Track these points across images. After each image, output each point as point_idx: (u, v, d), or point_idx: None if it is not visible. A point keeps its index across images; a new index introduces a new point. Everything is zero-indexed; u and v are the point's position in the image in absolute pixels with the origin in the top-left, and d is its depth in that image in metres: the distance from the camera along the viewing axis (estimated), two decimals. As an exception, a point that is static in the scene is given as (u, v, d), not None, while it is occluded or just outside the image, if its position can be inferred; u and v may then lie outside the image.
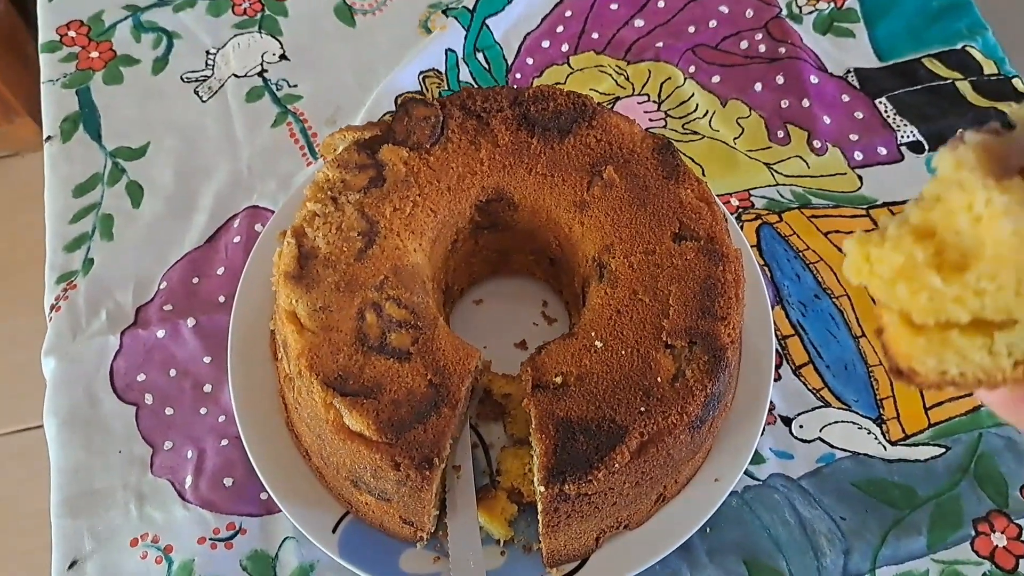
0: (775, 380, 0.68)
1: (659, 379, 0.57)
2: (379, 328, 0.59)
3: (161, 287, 0.74)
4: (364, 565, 0.61)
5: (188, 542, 0.65)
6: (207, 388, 0.70)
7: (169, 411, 0.70)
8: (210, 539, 0.65)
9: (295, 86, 0.83)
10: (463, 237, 0.68)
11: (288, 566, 0.64)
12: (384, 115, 0.81)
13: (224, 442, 0.68)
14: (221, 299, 0.73)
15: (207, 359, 0.71)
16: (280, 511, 0.64)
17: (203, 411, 0.70)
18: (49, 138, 0.81)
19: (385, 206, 0.63)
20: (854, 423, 0.68)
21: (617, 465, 0.55)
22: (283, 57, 0.85)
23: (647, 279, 0.61)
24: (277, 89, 0.83)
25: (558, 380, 0.58)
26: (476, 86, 0.84)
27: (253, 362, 0.68)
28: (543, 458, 0.55)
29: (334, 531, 0.63)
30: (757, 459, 0.66)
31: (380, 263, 0.61)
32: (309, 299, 0.60)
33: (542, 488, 0.55)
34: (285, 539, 0.65)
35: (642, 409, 0.56)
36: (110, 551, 0.65)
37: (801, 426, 0.68)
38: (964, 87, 0.81)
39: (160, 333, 0.72)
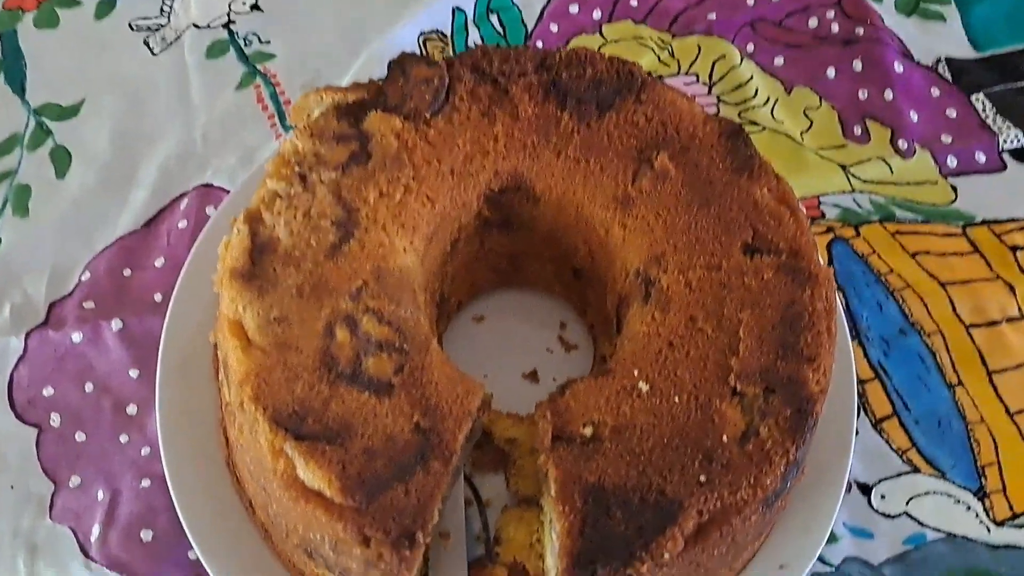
0: (851, 436, 0.54)
1: (724, 438, 0.43)
2: (352, 350, 0.44)
3: (83, 278, 0.60)
4: (317, 662, 0.46)
5: (88, 615, 0.50)
6: (131, 410, 0.56)
7: (80, 437, 0.55)
8: (118, 612, 0.50)
9: (267, 42, 0.69)
10: (466, 236, 0.53)
11: (220, 652, 0.49)
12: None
13: (145, 483, 0.53)
14: (157, 298, 0.59)
15: (134, 373, 0.57)
16: (212, 578, 0.49)
17: (123, 439, 0.55)
18: (-39, 88, 0.66)
19: (369, 190, 0.49)
20: (949, 495, 0.55)
21: (667, 555, 0.40)
22: (255, 7, 0.70)
23: (710, 303, 0.46)
24: (246, 45, 0.69)
25: (587, 432, 0.43)
26: (488, 54, 0.69)
27: (190, 381, 0.53)
28: (566, 538, 0.41)
29: (281, 612, 0.48)
30: (829, 538, 0.52)
31: (358, 264, 0.47)
32: (261, 306, 0.45)
33: (563, 583, 0.40)
34: (218, 615, 0.50)
35: (702, 479, 0.42)
36: (-13, 620, 0.50)
37: (883, 496, 0.54)
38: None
39: (76, 336, 0.57)
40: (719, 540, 0.42)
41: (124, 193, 0.63)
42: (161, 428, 0.51)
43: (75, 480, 0.54)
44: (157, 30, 0.69)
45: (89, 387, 0.56)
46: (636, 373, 0.45)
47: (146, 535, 0.52)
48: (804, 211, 0.50)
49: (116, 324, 0.58)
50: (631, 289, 0.49)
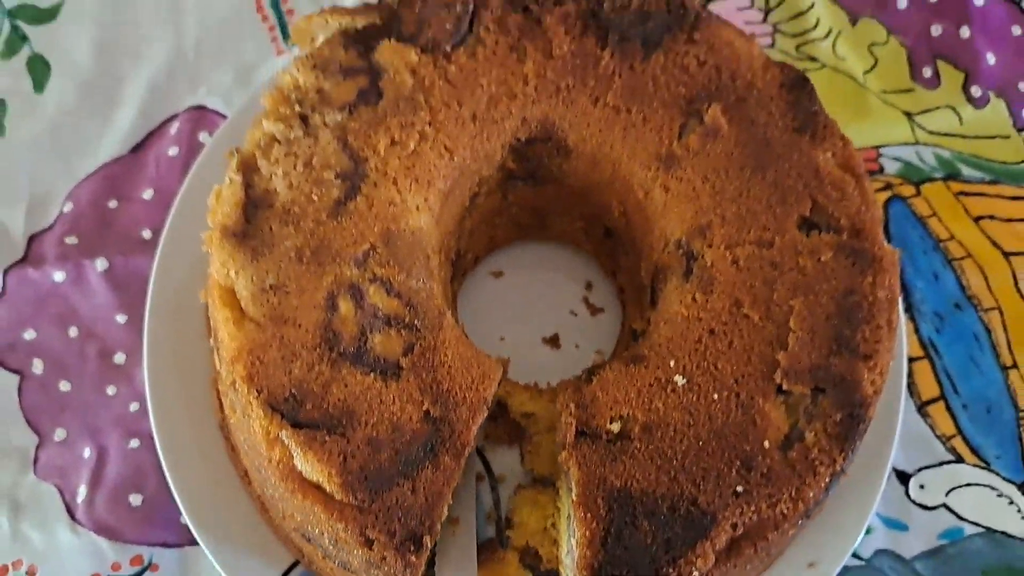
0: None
1: (765, 443, 0.39)
2: (357, 325, 0.40)
3: (65, 210, 0.55)
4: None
5: (75, 580, 0.47)
6: (118, 358, 0.52)
7: (64, 386, 0.52)
8: (106, 576, 0.48)
9: (269, -60, 0.61)
10: (487, 190, 0.48)
11: (212, 619, 0.47)
12: (388, -7, 0.60)
13: (134, 443, 0.50)
14: (146, 235, 0.55)
15: (121, 318, 0.53)
16: (205, 544, 0.47)
17: (110, 391, 0.52)
18: (-74, -17, 0.59)
19: (379, 136, 0.43)
20: (992, 488, 0.51)
21: (697, 572, 0.37)
22: None
23: (758, 285, 0.41)
24: (245, -58, 0.61)
25: (614, 428, 0.40)
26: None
27: (182, 333, 0.50)
28: (586, 549, 0.37)
29: (277, 587, 0.45)
30: (861, 529, 0.48)
31: (365, 224, 0.42)
32: (256, 271, 0.40)
33: (582, 598, 0.37)
34: (211, 581, 0.48)
35: (739, 489, 0.38)
36: (-32, 578, 0.47)
37: (922, 486, 0.51)
38: None
39: (58, 276, 0.53)
40: (753, 555, 0.38)
41: (108, 112, 0.57)
42: (150, 387, 0.47)
43: (60, 433, 0.51)
44: (145, -80, 0.62)
45: (73, 332, 0.52)
46: (672, 364, 0.40)
47: (135, 499, 0.49)
48: (870, 182, 0.44)
49: (101, 264, 0.53)
50: (670, 261, 0.44)
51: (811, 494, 0.38)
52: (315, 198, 0.42)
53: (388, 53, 0.44)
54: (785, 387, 0.40)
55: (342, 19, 0.46)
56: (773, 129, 0.44)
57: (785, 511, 0.38)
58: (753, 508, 0.38)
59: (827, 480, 0.39)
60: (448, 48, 0.45)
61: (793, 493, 0.38)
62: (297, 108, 0.43)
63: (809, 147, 0.44)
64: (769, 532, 0.38)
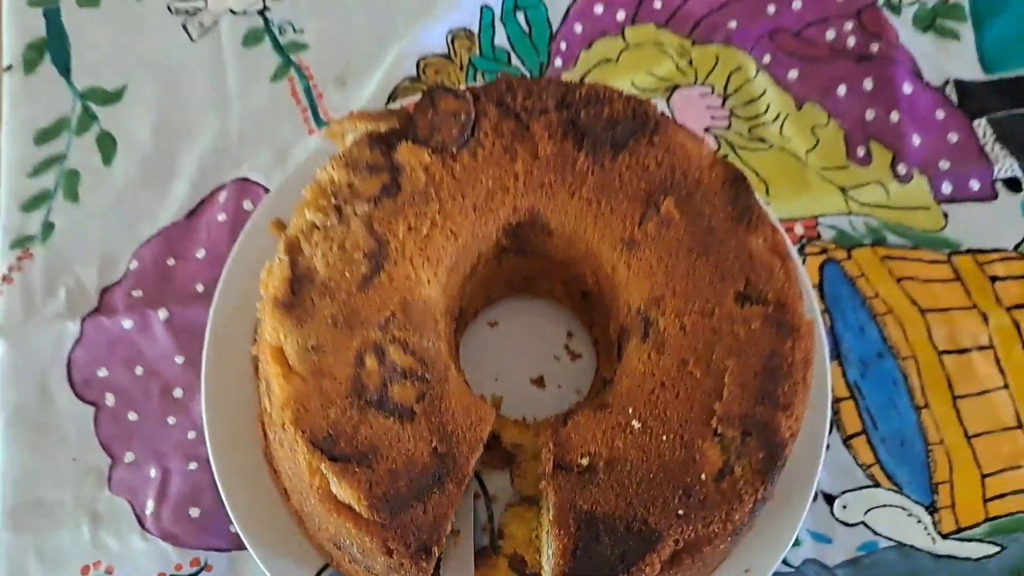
0: (821, 450, 0.60)
1: (703, 475, 0.49)
2: (380, 377, 0.50)
3: (131, 267, 0.64)
4: (341, 631, 0.54)
5: (146, 576, 0.57)
6: (177, 393, 0.62)
7: (132, 416, 0.61)
8: (171, 575, 0.58)
9: (301, 31, 0.71)
10: (484, 262, 0.58)
11: (256, 611, 0.57)
12: (402, 81, 0.70)
13: (193, 465, 0.60)
14: (199, 288, 0.64)
15: (179, 359, 0.62)
16: (251, 549, 0.57)
17: (171, 421, 0.61)
18: (9, 67, 0.69)
19: (398, 223, 0.53)
20: (903, 508, 0.61)
21: (645, 577, 0.47)
22: (288, -7, 0.72)
23: (701, 347, 0.51)
24: (280, 33, 0.71)
25: (584, 462, 0.49)
26: (512, 52, 0.72)
27: (232, 374, 0.59)
28: (559, 559, 0.48)
29: (311, 585, 0.55)
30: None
31: (387, 295, 0.52)
32: (300, 335, 0.50)
33: (555, 597, 0.47)
34: (255, 580, 0.58)
35: (680, 512, 0.48)
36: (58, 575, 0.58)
37: (844, 507, 0.60)
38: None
39: (127, 324, 0.63)
40: (691, 564, 0.49)
41: (166, 184, 0.66)
42: (207, 418, 0.57)
43: (129, 456, 0.60)
44: (194, 14, 0.71)
45: (139, 371, 0.62)
46: (631, 411, 0.50)
47: (194, 512, 0.59)
48: (796, 259, 0.54)
49: (163, 314, 0.63)
50: (632, 323, 0.54)
51: (737, 516, 0.48)
52: (347, 275, 0.51)
53: (406, 153, 0.54)
54: (720, 431, 0.49)
55: (368, 123, 0.56)
56: (716, 219, 0.53)
57: (717, 530, 0.48)
58: (691, 528, 0.48)
59: (751, 505, 0.48)
60: (454, 149, 0.54)
61: (723, 516, 0.48)
62: (332, 200, 0.53)
63: (745, 234, 0.53)
64: (704, 547, 0.48)
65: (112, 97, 0.69)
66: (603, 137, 0.55)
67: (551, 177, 0.54)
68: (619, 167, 0.55)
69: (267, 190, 0.65)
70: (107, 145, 0.67)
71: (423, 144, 0.54)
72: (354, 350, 0.50)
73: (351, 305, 0.51)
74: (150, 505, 0.59)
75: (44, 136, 0.67)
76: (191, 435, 0.60)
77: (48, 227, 0.65)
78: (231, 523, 0.57)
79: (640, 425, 0.50)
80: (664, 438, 0.50)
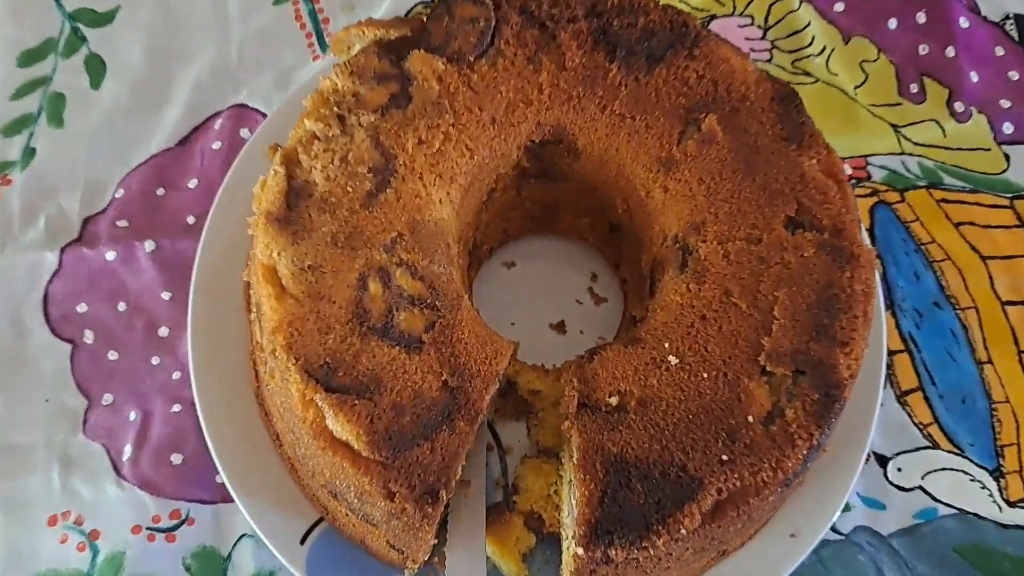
0: (873, 406, 0.54)
1: (749, 418, 0.43)
2: (385, 303, 0.44)
3: (117, 195, 0.60)
4: (336, 591, 0.48)
5: (120, 529, 0.53)
6: (163, 332, 0.57)
7: (113, 355, 0.56)
8: (147, 528, 0.53)
9: (308, -47, 0.66)
10: (503, 186, 0.52)
11: (242, 570, 0.52)
12: (416, 4, 0.64)
13: (176, 407, 0.54)
14: (190, 220, 0.59)
15: (166, 295, 0.57)
16: (239, 501, 0.51)
17: (155, 361, 0.56)
18: (-7, -14, 0.65)
19: (407, 136, 0.47)
20: (966, 473, 0.55)
21: (684, 531, 0.41)
22: (296, -87, 0.67)
23: (747, 277, 0.46)
24: (285, -45, 0.66)
25: (613, 401, 0.44)
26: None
27: (222, 310, 0.54)
28: (585, 507, 0.42)
29: (302, 542, 0.50)
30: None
31: (394, 214, 0.46)
32: (295, 253, 0.45)
33: (579, 550, 0.41)
34: (242, 536, 0.53)
35: (724, 457, 0.42)
36: (23, 526, 0.53)
37: (899, 469, 0.55)
38: None
39: (110, 255, 0.58)
40: (735, 518, 0.43)
41: (158, 109, 0.62)
42: (193, 356, 0.52)
43: (107, 398, 0.55)
44: (193, -67, 0.66)
45: (122, 306, 0.57)
46: (667, 345, 0.45)
47: (176, 458, 0.53)
48: (850, 186, 0.48)
49: (149, 245, 0.58)
50: (668, 254, 0.48)
51: (790, 464, 0.42)
52: (350, 190, 0.46)
53: (418, 62, 0.49)
54: (768, 368, 0.44)
55: (377, 31, 0.50)
56: (763, 137, 0.48)
57: (766, 479, 0.42)
58: (736, 475, 0.42)
59: (805, 453, 0.43)
60: (472, 59, 0.49)
61: (773, 463, 0.42)
62: (335, 109, 0.48)
63: (796, 154, 0.48)
64: (751, 498, 0.42)
65: (103, 19, 0.64)
66: (638, 49, 0.50)
67: (579, 90, 0.49)
68: (655, 81, 0.49)
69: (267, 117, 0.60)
70: (96, 68, 0.63)
71: (437, 52, 0.49)
72: (356, 272, 0.45)
73: (353, 223, 0.46)
74: (128, 450, 0.54)
75: (29, 57, 0.63)
76: (176, 375, 0.55)
77: (30, 152, 0.60)
78: (217, 472, 0.51)
79: (678, 361, 0.44)
80: (705, 376, 0.44)
